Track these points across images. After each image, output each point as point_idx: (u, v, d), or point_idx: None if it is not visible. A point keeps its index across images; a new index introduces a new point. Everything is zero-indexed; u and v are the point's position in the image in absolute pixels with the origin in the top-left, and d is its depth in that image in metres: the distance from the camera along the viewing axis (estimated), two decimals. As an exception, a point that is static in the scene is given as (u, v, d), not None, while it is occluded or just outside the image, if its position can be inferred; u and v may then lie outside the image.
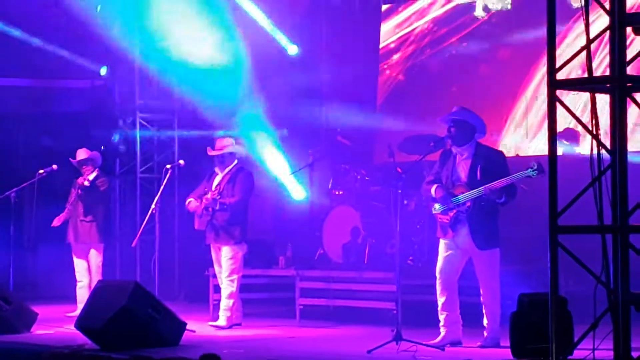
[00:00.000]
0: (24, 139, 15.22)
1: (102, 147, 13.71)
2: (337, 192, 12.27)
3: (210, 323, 10.60)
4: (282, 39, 14.17)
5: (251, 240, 12.77)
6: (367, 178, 12.12)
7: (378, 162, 13.10)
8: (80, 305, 11.40)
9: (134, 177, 14.55)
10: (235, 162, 10.78)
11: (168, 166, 11.53)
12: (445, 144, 9.25)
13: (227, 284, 10.55)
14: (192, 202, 10.73)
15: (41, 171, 12.08)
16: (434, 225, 9.46)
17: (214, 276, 11.00)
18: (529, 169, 8.62)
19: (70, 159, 12.05)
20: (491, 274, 8.88)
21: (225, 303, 10.56)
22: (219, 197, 10.51)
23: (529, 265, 10.20)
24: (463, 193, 8.86)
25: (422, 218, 11.29)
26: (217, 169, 10.78)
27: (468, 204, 8.83)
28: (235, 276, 10.56)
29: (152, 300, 9.19)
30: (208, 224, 10.62)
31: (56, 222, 11.96)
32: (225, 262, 10.57)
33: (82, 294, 11.68)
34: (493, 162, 8.88)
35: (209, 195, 10.54)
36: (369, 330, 10.14)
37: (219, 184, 10.67)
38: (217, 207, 10.51)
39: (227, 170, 10.72)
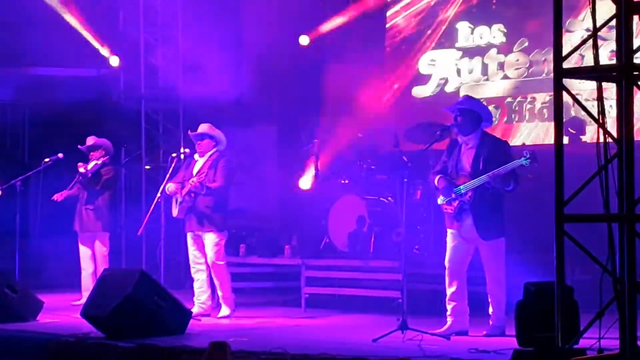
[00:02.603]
0: (30, 127, 15.23)
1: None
2: (342, 181, 12.26)
3: (218, 316, 10.53)
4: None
5: (257, 229, 12.80)
6: (373, 167, 12.12)
7: (384, 151, 13.10)
8: (85, 294, 11.42)
9: (140, 165, 14.54)
10: (215, 149, 10.65)
11: (173, 154, 11.51)
12: (451, 133, 9.24)
13: (215, 274, 10.45)
14: (171, 186, 10.57)
15: (47, 160, 12.08)
16: (440, 214, 9.46)
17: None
18: (522, 158, 8.63)
19: (79, 145, 12.05)
20: (496, 264, 8.88)
21: (221, 293, 10.48)
22: (205, 181, 10.33)
23: (535, 254, 10.19)
24: (465, 183, 8.86)
25: (428, 207, 11.29)
26: (196, 155, 10.68)
27: (469, 194, 8.83)
28: (222, 263, 10.47)
29: (157, 289, 9.20)
30: (188, 212, 10.49)
31: (58, 197, 11.96)
32: (210, 250, 10.43)
33: (87, 282, 11.69)
34: (496, 152, 8.86)
35: (194, 179, 10.34)
36: (375, 319, 10.15)
37: (200, 170, 10.52)
38: (204, 192, 10.33)
39: (207, 156, 10.60)
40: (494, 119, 10.42)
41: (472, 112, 8.99)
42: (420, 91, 13.78)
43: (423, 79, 13.77)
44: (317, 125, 13.80)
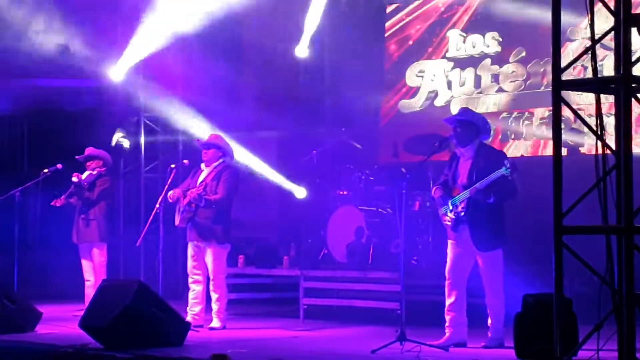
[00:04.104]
0: (29, 138, 15.23)
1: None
2: (341, 192, 12.27)
3: (208, 326, 10.50)
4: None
5: (255, 239, 12.80)
6: (371, 178, 12.13)
7: (382, 162, 13.06)
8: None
9: (138, 176, 14.54)
10: (221, 160, 10.65)
11: (172, 165, 11.51)
12: (450, 145, 9.27)
13: (214, 287, 10.40)
14: (173, 193, 10.53)
15: (46, 170, 12.10)
16: (438, 226, 9.47)
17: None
18: (503, 167, 8.64)
19: (76, 156, 12.08)
20: (494, 275, 8.88)
21: (216, 306, 10.41)
22: (204, 193, 10.33)
23: (533, 265, 10.19)
24: (459, 195, 8.90)
25: (426, 218, 11.30)
26: (203, 165, 10.68)
27: (462, 205, 8.86)
28: (222, 277, 10.44)
29: (156, 300, 9.19)
30: (189, 222, 10.47)
31: (56, 202, 11.96)
32: (210, 263, 10.40)
33: (90, 293, 11.70)
34: (491, 164, 8.85)
35: (193, 191, 10.35)
36: (373, 330, 10.15)
37: (203, 180, 10.51)
38: (202, 204, 10.33)
39: (212, 166, 10.59)
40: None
41: (471, 124, 9.01)
42: (408, 105, 13.41)
43: (411, 92, 13.39)
44: (316, 135, 13.81)
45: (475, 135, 9.02)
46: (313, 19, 13.94)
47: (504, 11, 12.58)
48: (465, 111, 9.25)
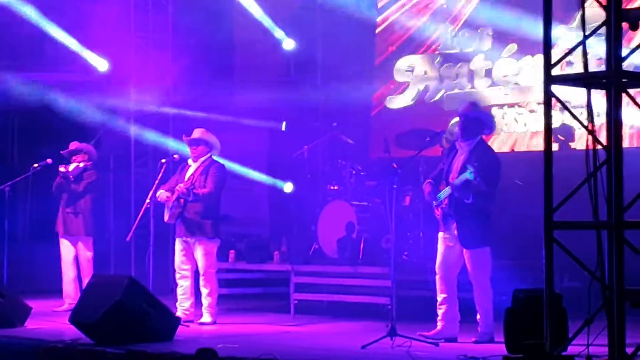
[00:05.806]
0: (19, 132, 15.19)
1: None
2: (332, 187, 12.27)
3: (199, 321, 10.49)
4: (279, 33, 14.13)
5: (246, 235, 12.79)
6: (362, 173, 12.13)
7: (374, 157, 13.05)
8: (67, 300, 11.44)
9: (129, 171, 14.51)
10: (209, 155, 10.64)
11: (163, 160, 11.49)
12: (441, 139, 9.26)
13: (204, 282, 10.39)
14: (162, 193, 10.52)
15: (36, 165, 12.08)
16: (429, 221, 9.48)
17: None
18: (467, 171, 8.59)
19: (61, 151, 12.05)
20: (481, 272, 8.86)
21: (207, 301, 10.39)
22: (192, 187, 10.32)
23: (523, 261, 10.20)
24: (444, 190, 8.91)
25: (417, 213, 11.30)
26: (190, 161, 10.68)
27: (445, 201, 8.85)
28: (212, 272, 10.42)
29: (146, 295, 9.17)
30: (178, 217, 10.46)
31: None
32: (200, 259, 10.40)
33: (68, 289, 11.66)
34: (483, 166, 8.78)
35: (181, 186, 10.35)
36: (364, 325, 10.14)
37: (191, 176, 10.50)
38: (191, 198, 10.31)
39: (200, 161, 10.58)
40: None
41: (477, 121, 8.97)
42: (397, 102, 13.31)
43: (399, 88, 13.30)
44: (307, 130, 13.79)
45: (479, 132, 8.99)
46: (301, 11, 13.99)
47: (498, 6, 12.50)
48: (472, 106, 9.15)
